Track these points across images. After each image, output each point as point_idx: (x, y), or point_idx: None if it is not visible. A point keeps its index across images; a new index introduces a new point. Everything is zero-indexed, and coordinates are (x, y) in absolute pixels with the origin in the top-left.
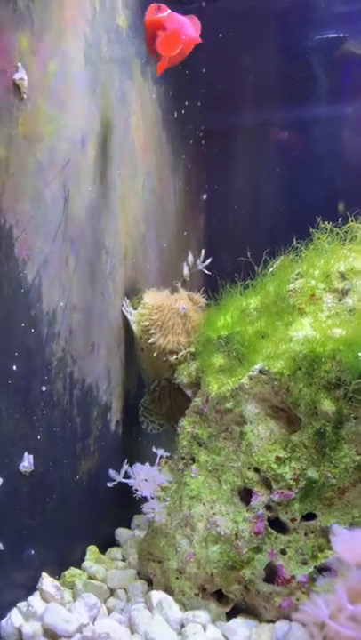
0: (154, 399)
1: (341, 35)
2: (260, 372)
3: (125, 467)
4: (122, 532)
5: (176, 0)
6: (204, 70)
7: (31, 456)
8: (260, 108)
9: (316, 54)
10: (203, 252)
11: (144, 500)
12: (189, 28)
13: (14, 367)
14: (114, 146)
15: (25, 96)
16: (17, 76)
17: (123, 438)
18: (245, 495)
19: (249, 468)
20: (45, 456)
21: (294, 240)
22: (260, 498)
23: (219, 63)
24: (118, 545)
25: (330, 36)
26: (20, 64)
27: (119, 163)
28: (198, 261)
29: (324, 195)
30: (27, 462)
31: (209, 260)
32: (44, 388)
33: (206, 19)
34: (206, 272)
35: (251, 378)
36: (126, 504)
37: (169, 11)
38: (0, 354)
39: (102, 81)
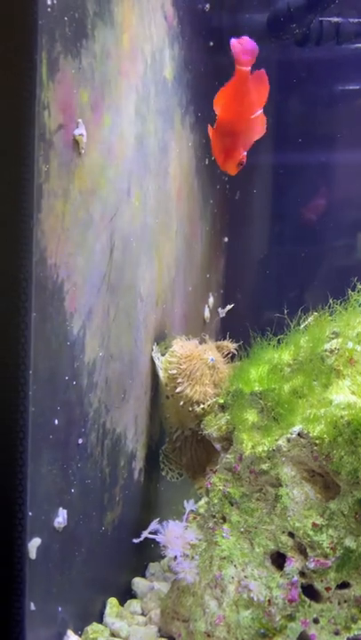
0: (175, 448)
1: None
2: (299, 434)
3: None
4: (139, 582)
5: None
6: None
7: (65, 511)
8: (283, 153)
9: (341, 104)
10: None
11: (168, 555)
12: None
13: (56, 421)
14: (155, 195)
15: (83, 151)
16: (77, 132)
17: (144, 486)
18: (278, 559)
19: (283, 532)
20: (77, 510)
21: (328, 296)
22: (294, 564)
23: None
24: (135, 596)
25: (355, 87)
26: (80, 120)
27: (157, 211)
28: (220, 309)
29: (345, 241)
30: (61, 518)
31: (230, 307)
32: (80, 441)
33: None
34: (221, 315)
35: (289, 440)
36: (142, 552)
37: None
38: (45, 409)
39: (148, 132)
